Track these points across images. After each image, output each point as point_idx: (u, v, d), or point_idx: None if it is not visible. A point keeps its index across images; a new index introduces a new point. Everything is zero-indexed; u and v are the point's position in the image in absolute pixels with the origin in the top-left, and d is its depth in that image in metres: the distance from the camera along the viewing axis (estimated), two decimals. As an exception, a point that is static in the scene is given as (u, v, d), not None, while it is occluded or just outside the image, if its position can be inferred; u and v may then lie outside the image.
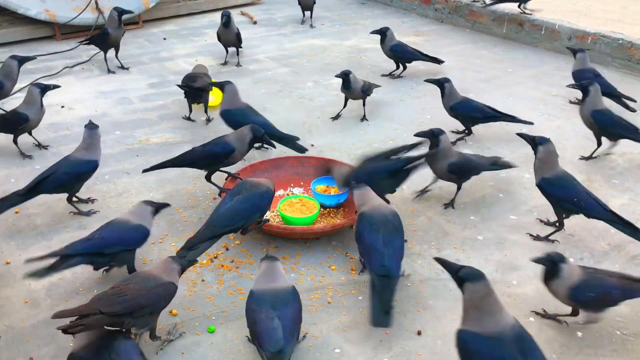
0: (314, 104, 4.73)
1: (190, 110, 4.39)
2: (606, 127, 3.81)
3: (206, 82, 4.21)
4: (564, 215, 3.02)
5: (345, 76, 4.22)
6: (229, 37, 5.43)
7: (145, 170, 3.28)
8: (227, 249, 2.96)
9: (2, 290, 2.68)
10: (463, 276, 2.07)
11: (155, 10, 6.74)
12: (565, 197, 2.97)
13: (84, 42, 5.32)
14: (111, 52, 5.30)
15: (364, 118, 4.43)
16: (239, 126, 3.41)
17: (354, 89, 4.29)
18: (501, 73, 5.44)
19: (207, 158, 3.26)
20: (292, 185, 3.49)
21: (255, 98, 4.83)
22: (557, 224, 3.07)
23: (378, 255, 2.50)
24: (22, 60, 4.31)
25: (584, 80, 4.08)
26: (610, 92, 4.44)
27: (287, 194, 3.42)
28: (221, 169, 3.35)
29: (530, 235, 3.11)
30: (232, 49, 5.60)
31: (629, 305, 2.60)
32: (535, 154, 3.09)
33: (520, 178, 3.64)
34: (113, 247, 2.60)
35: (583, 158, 3.90)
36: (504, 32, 6.44)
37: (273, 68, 5.50)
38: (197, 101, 4.32)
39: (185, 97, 4.37)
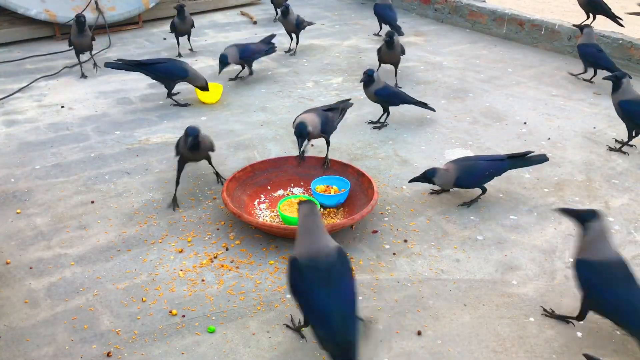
0: (314, 104, 4.72)
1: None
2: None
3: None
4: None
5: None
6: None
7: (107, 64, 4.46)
8: (227, 249, 2.97)
9: (1, 290, 2.68)
10: (585, 217, 2.42)
11: (155, 10, 6.74)
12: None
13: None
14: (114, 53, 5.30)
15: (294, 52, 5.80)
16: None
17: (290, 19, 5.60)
18: (501, 73, 5.44)
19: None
20: (292, 185, 3.49)
21: (255, 98, 4.83)
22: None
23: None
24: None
25: (587, 53, 4.97)
26: (609, 67, 4.89)
27: (287, 194, 3.43)
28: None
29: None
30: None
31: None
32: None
33: (520, 178, 3.64)
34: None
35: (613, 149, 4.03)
36: (504, 32, 6.45)
37: (273, 68, 5.50)
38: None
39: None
